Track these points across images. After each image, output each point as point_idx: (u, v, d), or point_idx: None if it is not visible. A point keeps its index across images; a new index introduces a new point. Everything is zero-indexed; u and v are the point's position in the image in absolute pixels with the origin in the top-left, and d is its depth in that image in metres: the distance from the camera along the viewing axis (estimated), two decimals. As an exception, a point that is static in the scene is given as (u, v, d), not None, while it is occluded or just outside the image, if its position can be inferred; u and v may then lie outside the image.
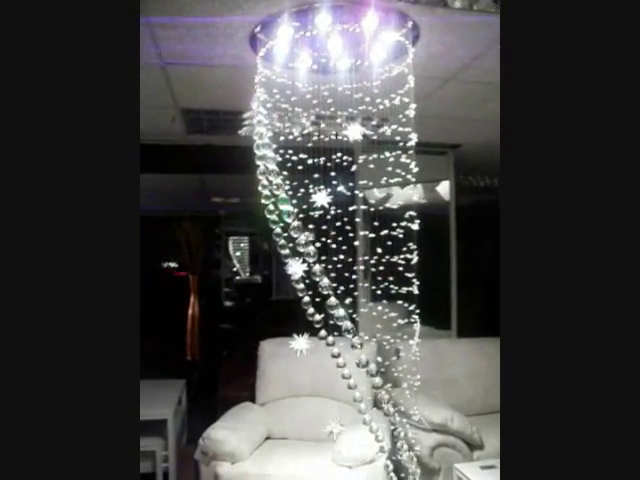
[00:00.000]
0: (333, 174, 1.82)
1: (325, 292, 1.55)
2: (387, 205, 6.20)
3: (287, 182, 1.78)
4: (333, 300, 1.54)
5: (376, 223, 2.01)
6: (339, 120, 1.97)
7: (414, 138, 1.82)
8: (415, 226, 1.85)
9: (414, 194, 5.81)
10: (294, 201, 1.71)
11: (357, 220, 3.53)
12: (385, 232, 1.90)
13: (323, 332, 1.66)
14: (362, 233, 2.05)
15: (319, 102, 1.91)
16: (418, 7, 1.68)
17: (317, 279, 1.54)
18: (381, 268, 1.91)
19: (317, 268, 1.54)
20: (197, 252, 5.09)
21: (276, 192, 1.63)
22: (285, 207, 1.61)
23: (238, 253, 9.70)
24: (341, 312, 1.55)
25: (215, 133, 3.12)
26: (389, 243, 1.88)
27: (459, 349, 3.40)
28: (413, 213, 1.88)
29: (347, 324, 1.55)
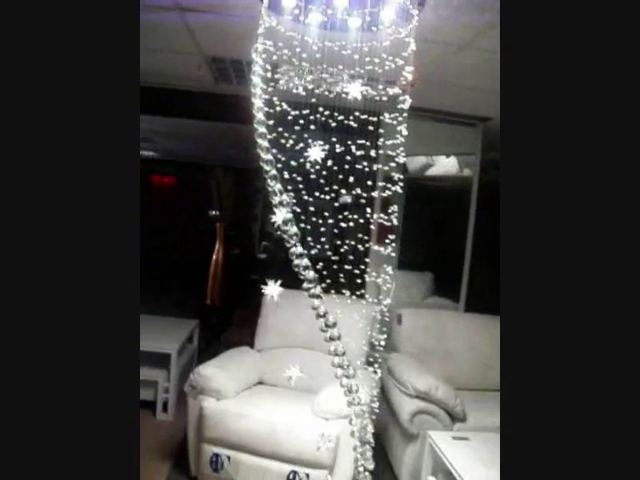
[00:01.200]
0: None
1: (292, 241, 1.60)
2: (427, 174, 6.08)
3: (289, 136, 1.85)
4: (298, 249, 1.59)
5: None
6: (344, 77, 1.98)
7: (408, 101, 1.80)
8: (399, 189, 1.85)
9: (452, 167, 5.69)
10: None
11: (379, 183, 3.55)
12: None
13: (318, 289, 1.70)
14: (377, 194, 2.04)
15: (325, 57, 1.93)
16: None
17: (285, 228, 1.59)
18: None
19: (285, 217, 1.59)
20: (226, 201, 5.20)
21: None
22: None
23: (285, 217, 9.83)
24: (305, 262, 1.60)
25: (243, 83, 3.16)
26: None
27: (462, 323, 3.41)
28: (400, 176, 1.88)
29: (310, 274, 1.60)
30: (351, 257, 1.95)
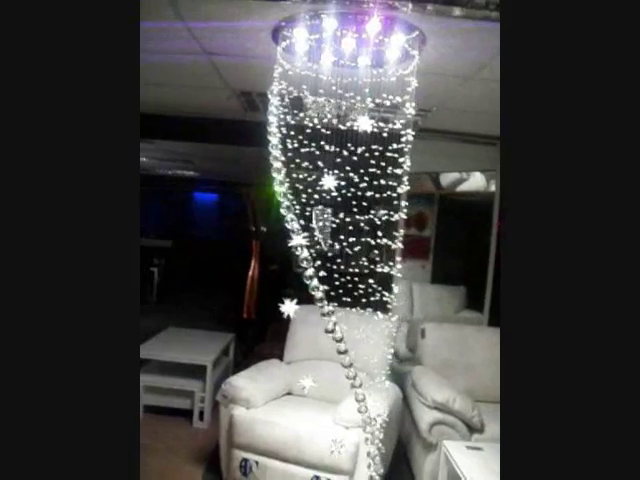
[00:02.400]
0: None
1: (304, 265, 1.78)
2: (458, 189, 6.22)
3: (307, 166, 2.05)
4: (310, 272, 1.77)
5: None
6: (354, 111, 2.16)
7: (410, 134, 1.95)
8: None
9: (480, 181, 5.82)
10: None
11: (403, 203, 3.71)
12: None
13: (327, 308, 1.88)
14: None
15: (339, 92, 2.11)
16: (421, 15, 1.81)
17: (297, 252, 1.77)
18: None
19: (299, 242, 1.77)
20: (260, 218, 5.44)
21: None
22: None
23: (320, 223, 10.09)
24: (315, 282, 1.77)
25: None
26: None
27: (484, 337, 3.49)
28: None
29: (318, 294, 1.77)
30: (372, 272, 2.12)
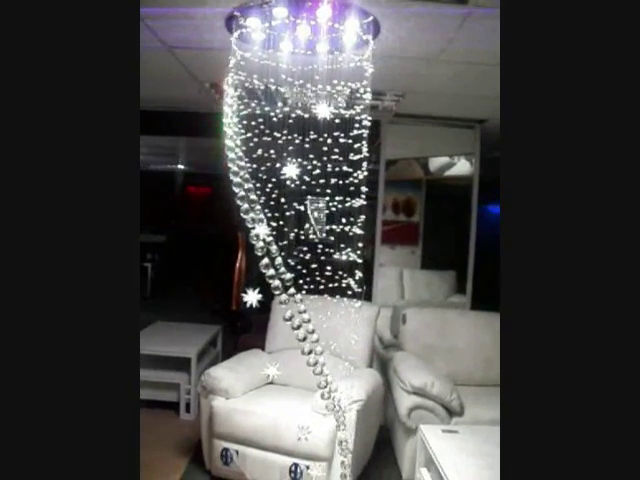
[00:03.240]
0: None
1: (259, 253, 1.78)
2: (446, 174, 6.24)
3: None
4: (265, 261, 1.77)
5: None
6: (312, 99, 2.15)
7: (368, 120, 1.95)
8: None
9: (467, 165, 5.83)
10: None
11: (380, 186, 3.70)
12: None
13: (283, 296, 1.88)
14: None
15: (296, 80, 2.11)
16: (374, 0, 1.80)
17: (254, 241, 1.77)
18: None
19: (258, 232, 1.78)
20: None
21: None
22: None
23: (315, 213, 10.10)
24: (271, 272, 1.78)
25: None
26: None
27: (465, 320, 3.50)
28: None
29: (275, 282, 1.78)
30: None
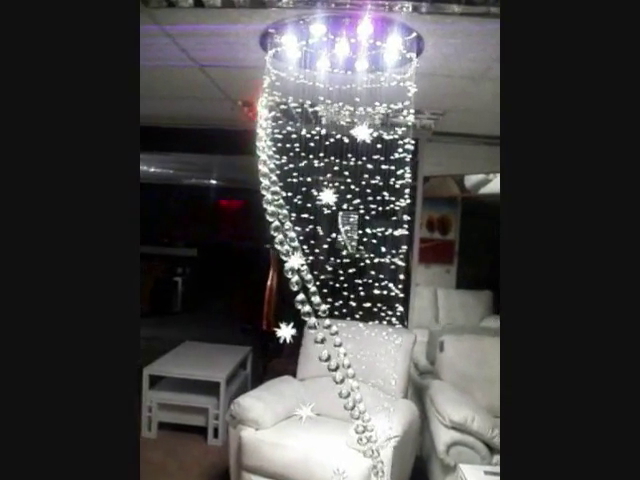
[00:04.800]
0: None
1: (295, 288, 1.67)
2: (481, 191, 6.08)
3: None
4: (300, 297, 1.66)
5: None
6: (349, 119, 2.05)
7: (410, 144, 1.83)
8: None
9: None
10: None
11: (418, 203, 3.56)
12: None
13: (312, 320, 1.77)
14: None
15: (334, 102, 2.01)
16: (417, 16, 1.69)
17: (289, 275, 1.67)
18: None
19: (293, 263, 1.67)
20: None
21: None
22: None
23: (347, 227, 10.00)
24: (307, 308, 1.66)
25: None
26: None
27: (507, 350, 3.31)
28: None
29: (312, 320, 1.67)
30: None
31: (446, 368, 3.24)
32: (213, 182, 8.54)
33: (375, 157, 2.02)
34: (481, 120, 2.96)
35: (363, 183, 2.08)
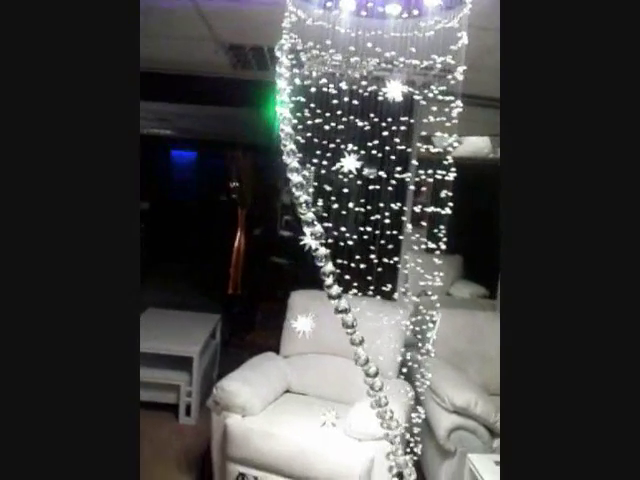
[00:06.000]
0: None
1: (321, 262, 1.39)
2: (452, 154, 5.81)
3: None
4: (323, 250, 1.40)
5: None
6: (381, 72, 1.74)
7: (459, 106, 1.56)
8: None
9: (484, 146, 5.43)
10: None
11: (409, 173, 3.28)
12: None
13: (335, 289, 1.49)
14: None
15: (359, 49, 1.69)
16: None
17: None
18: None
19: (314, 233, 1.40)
20: (247, 184, 4.97)
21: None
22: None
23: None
24: (329, 267, 1.40)
25: (264, 69, 2.90)
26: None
27: (497, 324, 3.18)
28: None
29: (329, 280, 1.41)
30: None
31: (437, 344, 3.06)
32: (165, 132, 7.93)
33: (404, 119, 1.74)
34: (494, 80, 2.69)
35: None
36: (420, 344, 3.15)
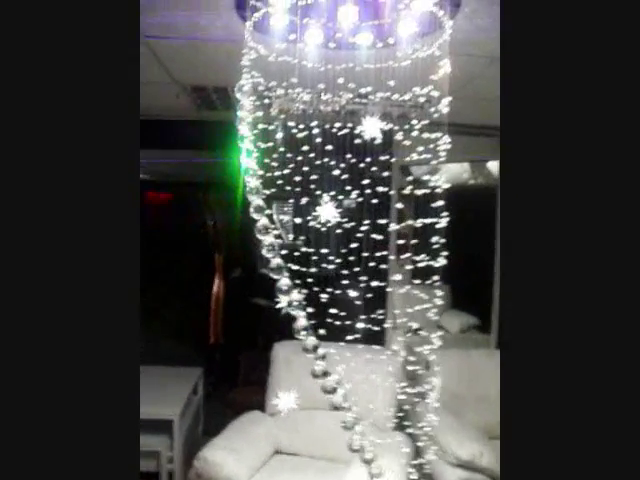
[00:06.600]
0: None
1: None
2: (433, 182, 5.68)
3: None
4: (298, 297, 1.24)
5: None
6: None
7: (447, 142, 1.42)
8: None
9: (463, 172, 5.30)
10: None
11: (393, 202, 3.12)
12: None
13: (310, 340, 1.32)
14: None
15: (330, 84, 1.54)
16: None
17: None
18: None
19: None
20: (220, 224, 4.79)
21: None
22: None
23: (282, 217, 9.52)
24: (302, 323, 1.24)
25: (230, 108, 2.76)
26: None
27: (495, 362, 3.01)
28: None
29: (301, 323, 1.24)
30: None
31: (434, 389, 2.88)
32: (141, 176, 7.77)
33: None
34: (484, 108, 2.59)
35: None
36: (415, 389, 2.94)
